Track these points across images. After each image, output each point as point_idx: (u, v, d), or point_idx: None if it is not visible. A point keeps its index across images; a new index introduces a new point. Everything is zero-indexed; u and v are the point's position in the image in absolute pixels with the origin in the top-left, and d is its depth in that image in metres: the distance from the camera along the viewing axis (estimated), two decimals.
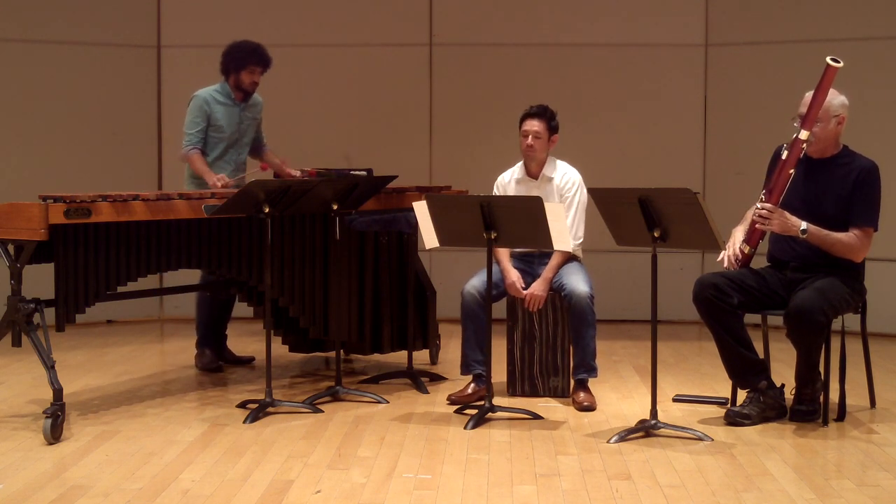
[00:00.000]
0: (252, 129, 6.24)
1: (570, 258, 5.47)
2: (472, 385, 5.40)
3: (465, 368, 5.45)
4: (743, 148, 7.62)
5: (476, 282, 5.33)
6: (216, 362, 6.13)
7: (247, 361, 6.35)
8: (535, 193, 5.29)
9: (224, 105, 6.05)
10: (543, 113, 5.48)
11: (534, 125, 5.47)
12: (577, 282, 5.34)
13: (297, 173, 6.14)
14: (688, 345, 7.09)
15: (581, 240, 5.54)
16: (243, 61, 6.01)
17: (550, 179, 5.54)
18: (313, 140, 7.85)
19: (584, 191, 5.48)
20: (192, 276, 6.10)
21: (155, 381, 5.91)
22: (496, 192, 5.62)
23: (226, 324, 6.34)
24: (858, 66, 6.61)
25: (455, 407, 5.24)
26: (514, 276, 5.41)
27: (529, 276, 5.47)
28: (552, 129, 5.49)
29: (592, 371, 5.41)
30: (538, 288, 5.39)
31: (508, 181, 5.62)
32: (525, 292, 5.38)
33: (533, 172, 5.57)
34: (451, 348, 6.73)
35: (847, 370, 5.03)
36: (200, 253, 5.26)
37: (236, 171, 6.14)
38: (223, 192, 5.47)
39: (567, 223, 5.47)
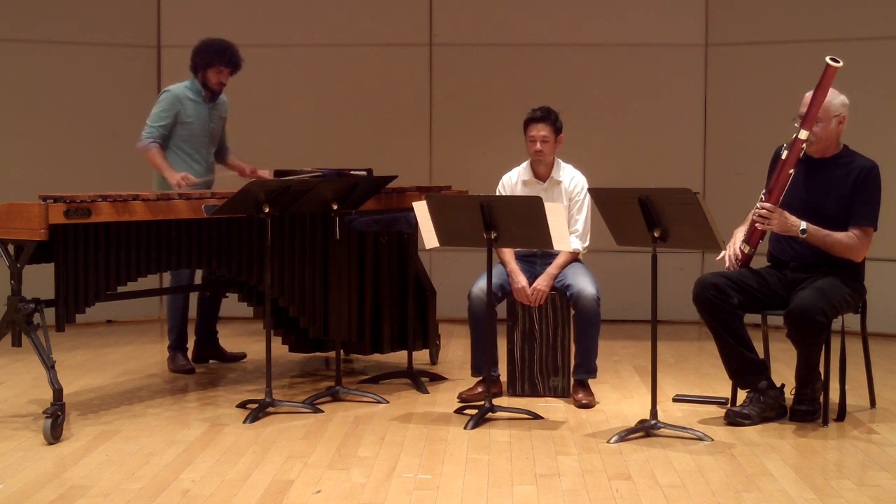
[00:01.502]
0: (221, 127, 6.22)
1: (573, 258, 5.49)
2: (482, 384, 5.40)
3: (476, 371, 5.45)
4: (743, 148, 7.62)
5: (482, 284, 5.31)
6: (189, 364, 6.11)
7: (239, 358, 6.35)
8: (544, 197, 5.28)
9: (194, 102, 6.02)
10: (548, 116, 5.47)
11: (541, 130, 5.46)
12: (584, 283, 5.34)
13: (266, 174, 6.13)
14: (688, 345, 7.09)
15: (588, 243, 5.55)
16: (211, 60, 5.97)
17: (559, 182, 5.54)
18: (313, 140, 7.85)
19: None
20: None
21: (155, 381, 5.91)
22: (501, 191, 5.61)
23: (215, 322, 6.33)
24: (858, 66, 6.61)
25: (456, 406, 5.24)
26: (523, 281, 5.40)
27: (531, 276, 5.47)
28: (557, 130, 5.49)
29: (592, 372, 5.42)
30: (542, 283, 5.39)
31: (515, 182, 5.61)
32: (528, 288, 5.39)
33: (541, 175, 5.56)
34: (451, 348, 6.73)
35: (847, 370, 5.03)
36: (200, 253, 5.26)
37: (206, 168, 6.10)
38: (224, 192, 5.47)
39: (578, 227, 5.49)
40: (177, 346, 6.13)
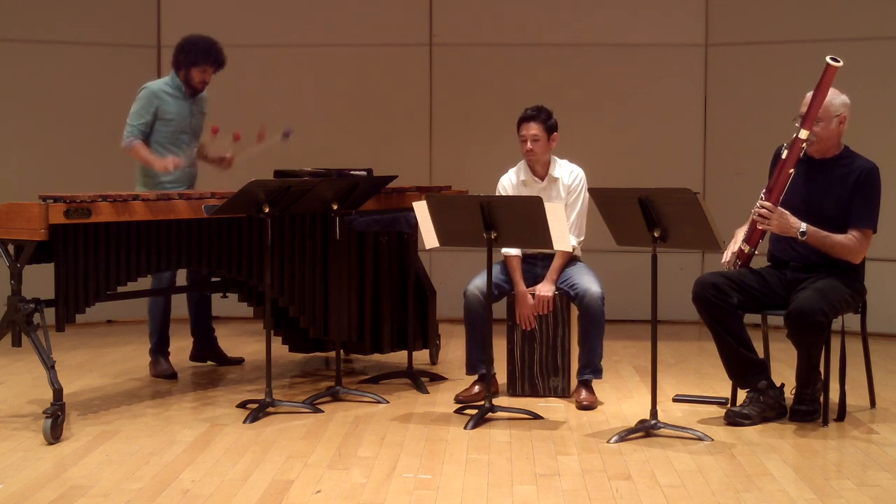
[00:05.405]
0: (202, 122, 6.11)
1: (571, 258, 5.48)
2: (478, 384, 5.41)
3: (471, 369, 5.45)
4: (743, 148, 7.62)
5: (479, 282, 5.32)
6: (171, 370, 5.99)
7: (237, 362, 6.32)
8: (543, 195, 5.28)
9: (174, 97, 5.92)
10: (538, 115, 5.45)
11: (531, 129, 5.44)
12: (589, 282, 5.34)
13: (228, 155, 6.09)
14: (688, 345, 7.09)
15: (582, 238, 5.54)
16: (196, 59, 5.87)
17: (557, 179, 5.53)
18: (313, 140, 7.84)
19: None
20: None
21: (155, 381, 5.91)
22: (501, 192, 5.58)
23: (209, 322, 6.28)
24: (858, 66, 6.61)
25: (456, 406, 5.24)
26: (525, 293, 5.40)
27: (531, 277, 5.47)
28: (550, 128, 5.47)
29: (598, 372, 5.41)
30: (545, 289, 5.39)
31: (515, 183, 5.59)
32: (531, 297, 5.38)
33: (539, 174, 5.55)
34: (451, 348, 6.73)
35: (847, 370, 5.03)
36: (200, 253, 5.26)
37: (188, 164, 6.01)
38: (224, 192, 5.47)
39: (571, 220, 5.48)
40: (158, 349, 6.03)
